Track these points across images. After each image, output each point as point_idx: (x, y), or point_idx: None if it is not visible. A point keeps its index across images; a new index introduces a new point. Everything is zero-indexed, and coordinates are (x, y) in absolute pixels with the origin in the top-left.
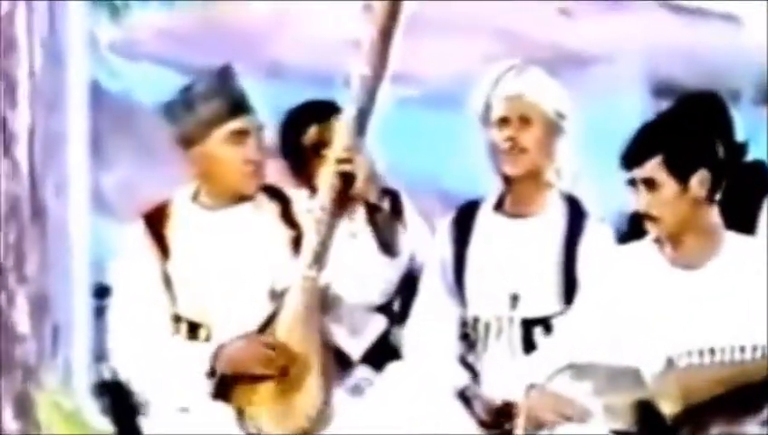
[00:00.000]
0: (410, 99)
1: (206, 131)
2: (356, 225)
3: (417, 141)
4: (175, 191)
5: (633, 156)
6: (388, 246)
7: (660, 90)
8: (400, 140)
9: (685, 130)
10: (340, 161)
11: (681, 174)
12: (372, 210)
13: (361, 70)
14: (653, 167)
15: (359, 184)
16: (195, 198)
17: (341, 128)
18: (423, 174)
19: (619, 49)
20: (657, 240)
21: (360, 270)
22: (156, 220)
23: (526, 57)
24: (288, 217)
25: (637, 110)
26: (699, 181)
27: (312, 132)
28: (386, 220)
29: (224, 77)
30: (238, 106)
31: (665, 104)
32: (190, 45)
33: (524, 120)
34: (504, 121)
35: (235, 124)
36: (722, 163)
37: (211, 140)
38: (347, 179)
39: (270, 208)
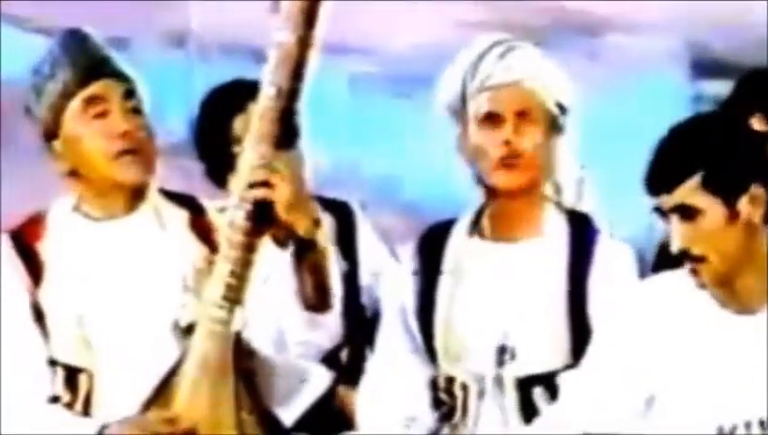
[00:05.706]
0: (365, 78)
1: (58, 114)
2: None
3: (375, 135)
4: (53, 200)
5: (659, 179)
6: (316, 298)
7: (701, 67)
8: (352, 132)
9: (729, 133)
10: (252, 186)
11: (728, 195)
12: (300, 246)
13: (280, 35)
14: (689, 191)
15: (279, 212)
16: (77, 207)
17: (258, 121)
18: (382, 179)
19: (646, 14)
20: (703, 286)
21: (271, 324)
22: (28, 236)
23: (517, 24)
24: (202, 228)
25: (668, 95)
26: (752, 201)
27: (239, 122)
28: (319, 260)
29: (72, 44)
30: (92, 71)
31: (707, 86)
32: (60, 5)
33: (522, 117)
34: (493, 119)
35: (88, 91)
36: None
37: (65, 121)
38: (263, 205)
39: (177, 217)
